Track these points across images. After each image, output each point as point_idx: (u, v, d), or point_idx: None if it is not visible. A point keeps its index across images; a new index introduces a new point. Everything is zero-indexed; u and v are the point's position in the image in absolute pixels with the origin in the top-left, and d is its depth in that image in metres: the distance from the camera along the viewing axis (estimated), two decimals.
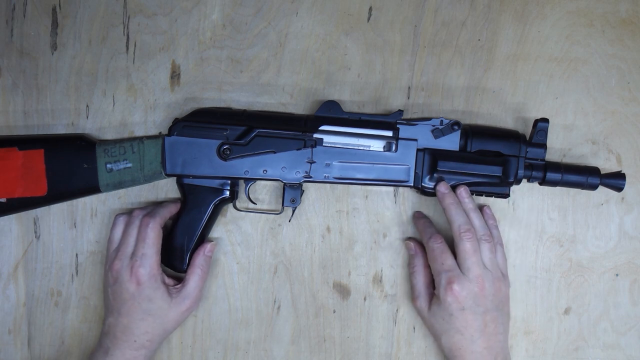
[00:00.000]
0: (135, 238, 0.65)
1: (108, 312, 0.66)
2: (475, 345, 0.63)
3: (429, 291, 0.67)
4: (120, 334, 0.64)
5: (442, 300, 0.63)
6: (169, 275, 0.68)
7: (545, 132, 0.66)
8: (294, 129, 0.66)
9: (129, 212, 0.68)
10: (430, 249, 0.65)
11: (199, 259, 0.68)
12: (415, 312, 0.70)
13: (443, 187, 0.65)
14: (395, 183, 0.66)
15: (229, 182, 0.67)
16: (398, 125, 0.66)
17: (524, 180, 0.68)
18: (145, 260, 0.64)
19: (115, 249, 0.66)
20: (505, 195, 0.67)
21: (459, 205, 0.65)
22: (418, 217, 0.71)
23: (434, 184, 0.66)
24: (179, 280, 0.68)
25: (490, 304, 0.63)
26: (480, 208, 0.69)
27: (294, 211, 0.70)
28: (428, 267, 0.68)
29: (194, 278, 0.67)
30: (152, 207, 0.68)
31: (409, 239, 0.71)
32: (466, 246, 0.63)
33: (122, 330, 0.64)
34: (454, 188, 0.66)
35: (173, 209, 0.68)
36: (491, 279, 0.64)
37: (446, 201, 0.65)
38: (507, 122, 0.72)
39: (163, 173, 0.66)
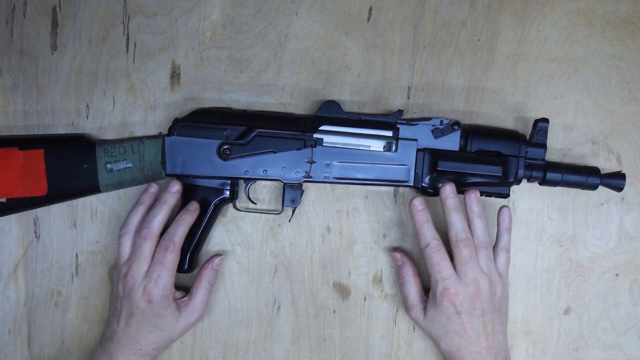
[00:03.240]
0: (149, 258, 0.63)
1: (114, 318, 0.65)
2: (475, 346, 0.63)
3: (422, 299, 0.67)
4: (125, 341, 0.64)
5: (438, 304, 0.63)
6: (177, 288, 0.67)
7: (545, 132, 0.66)
8: (294, 129, 0.66)
9: (132, 227, 0.65)
10: (428, 256, 0.63)
11: (207, 272, 0.67)
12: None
13: (449, 190, 0.64)
14: (395, 183, 0.66)
15: (229, 182, 0.67)
16: (398, 125, 0.66)
17: (524, 180, 0.68)
18: (160, 281, 0.63)
19: (127, 263, 0.64)
20: (505, 195, 0.67)
21: (460, 211, 0.64)
22: (417, 209, 0.65)
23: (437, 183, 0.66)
24: (186, 290, 0.68)
25: (487, 306, 0.63)
26: (501, 207, 0.67)
27: (294, 211, 0.69)
28: (417, 275, 0.68)
29: (201, 291, 0.67)
30: (171, 226, 0.64)
31: (394, 249, 0.71)
32: (462, 253, 0.62)
33: (128, 338, 0.64)
34: (464, 190, 0.65)
35: (190, 220, 0.65)
36: (487, 282, 0.63)
37: (448, 204, 0.64)
38: (507, 122, 0.72)
39: (163, 173, 0.66)
